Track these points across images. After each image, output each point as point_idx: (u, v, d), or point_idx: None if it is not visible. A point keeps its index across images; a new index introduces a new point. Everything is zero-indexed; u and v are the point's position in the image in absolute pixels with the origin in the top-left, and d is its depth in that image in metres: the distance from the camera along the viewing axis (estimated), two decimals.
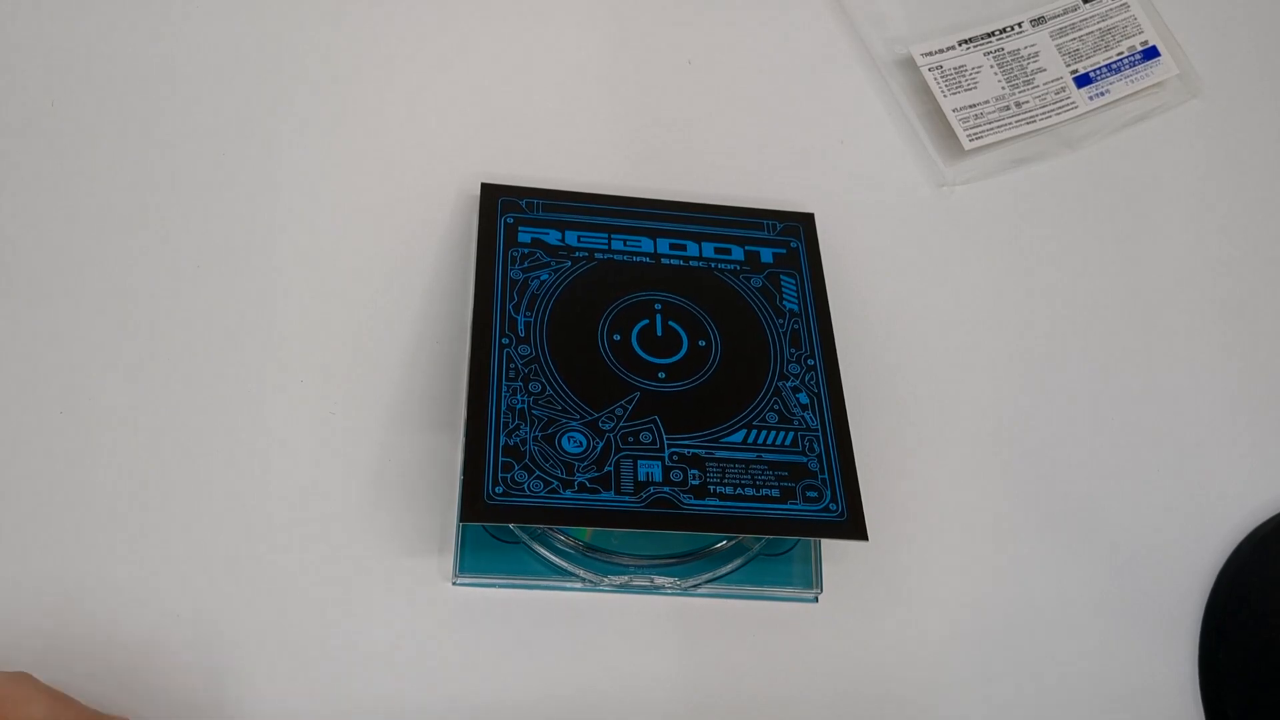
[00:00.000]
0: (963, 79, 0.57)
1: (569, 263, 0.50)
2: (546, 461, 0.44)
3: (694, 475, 0.45)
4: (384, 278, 0.51)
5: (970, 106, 0.57)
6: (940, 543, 0.49)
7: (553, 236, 0.51)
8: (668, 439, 0.46)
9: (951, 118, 0.56)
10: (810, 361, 0.49)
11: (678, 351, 0.49)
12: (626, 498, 0.44)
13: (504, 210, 0.51)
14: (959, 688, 0.47)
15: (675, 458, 0.45)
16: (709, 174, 0.55)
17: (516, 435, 0.45)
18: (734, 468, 0.46)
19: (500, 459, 0.44)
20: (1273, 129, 0.60)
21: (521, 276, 0.49)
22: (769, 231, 0.52)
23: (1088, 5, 0.60)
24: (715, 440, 0.46)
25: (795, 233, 0.53)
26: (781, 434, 0.47)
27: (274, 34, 0.55)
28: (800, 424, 0.47)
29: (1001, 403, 0.52)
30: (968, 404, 0.52)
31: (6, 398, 0.46)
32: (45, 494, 0.45)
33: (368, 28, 0.56)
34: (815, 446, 0.47)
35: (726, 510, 0.45)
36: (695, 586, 0.46)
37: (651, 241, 0.51)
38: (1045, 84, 0.58)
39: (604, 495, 0.44)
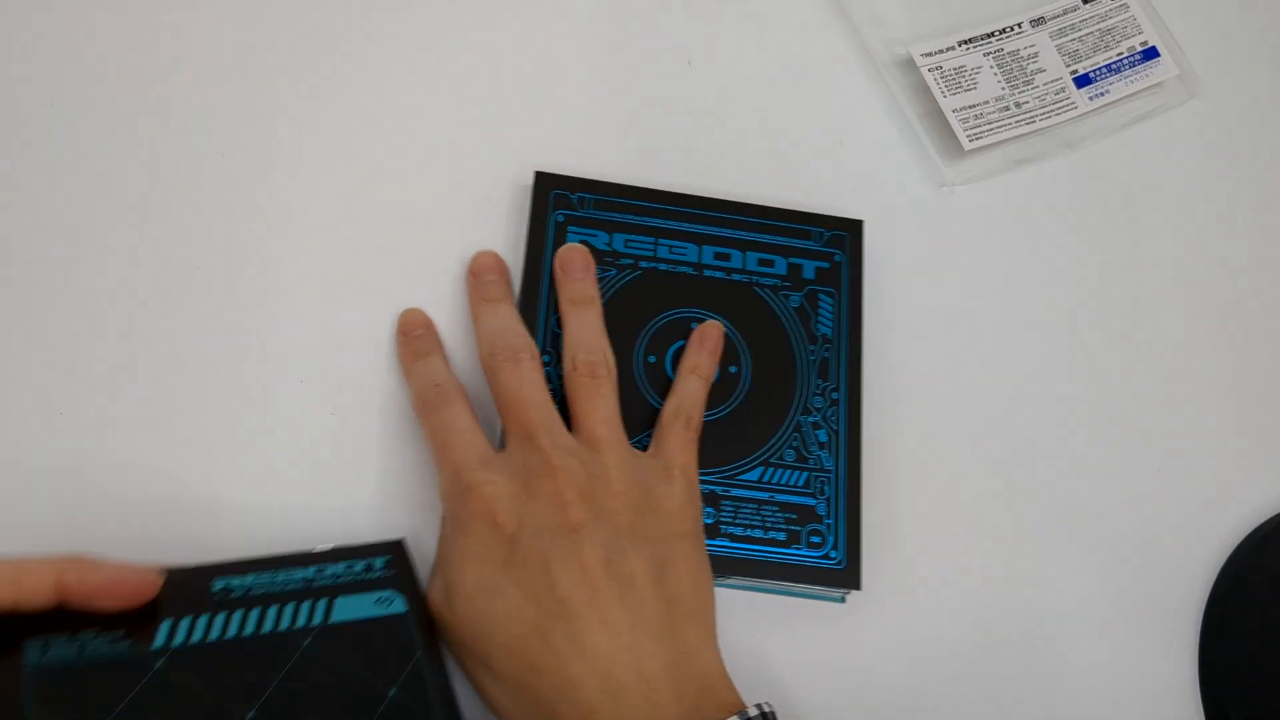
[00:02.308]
0: (962, 79, 0.57)
1: (614, 271, 0.49)
2: None
3: (708, 513, 0.46)
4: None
5: (970, 107, 0.57)
6: (940, 543, 0.49)
7: (600, 240, 0.50)
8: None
9: (951, 118, 0.56)
10: (835, 395, 0.48)
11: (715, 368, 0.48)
12: None
13: (556, 205, 0.50)
14: (960, 687, 0.47)
15: None
16: (709, 174, 0.55)
17: None
18: (746, 507, 0.46)
19: None
20: (1273, 129, 0.60)
21: None
22: (816, 241, 0.51)
23: (1087, 5, 0.60)
24: (732, 478, 0.47)
25: (841, 243, 0.51)
26: (795, 474, 0.47)
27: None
28: (815, 463, 0.47)
29: (999, 403, 0.52)
30: (965, 404, 0.52)
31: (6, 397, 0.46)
32: (41, 498, 0.45)
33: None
34: (826, 489, 0.47)
35: (733, 551, 0.45)
36: (725, 578, 0.46)
37: (697, 249, 0.50)
38: (1045, 84, 0.58)
39: None
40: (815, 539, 0.46)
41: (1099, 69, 0.58)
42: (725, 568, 0.45)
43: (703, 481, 0.46)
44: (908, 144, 0.57)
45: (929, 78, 0.57)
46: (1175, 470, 0.52)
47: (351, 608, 0.40)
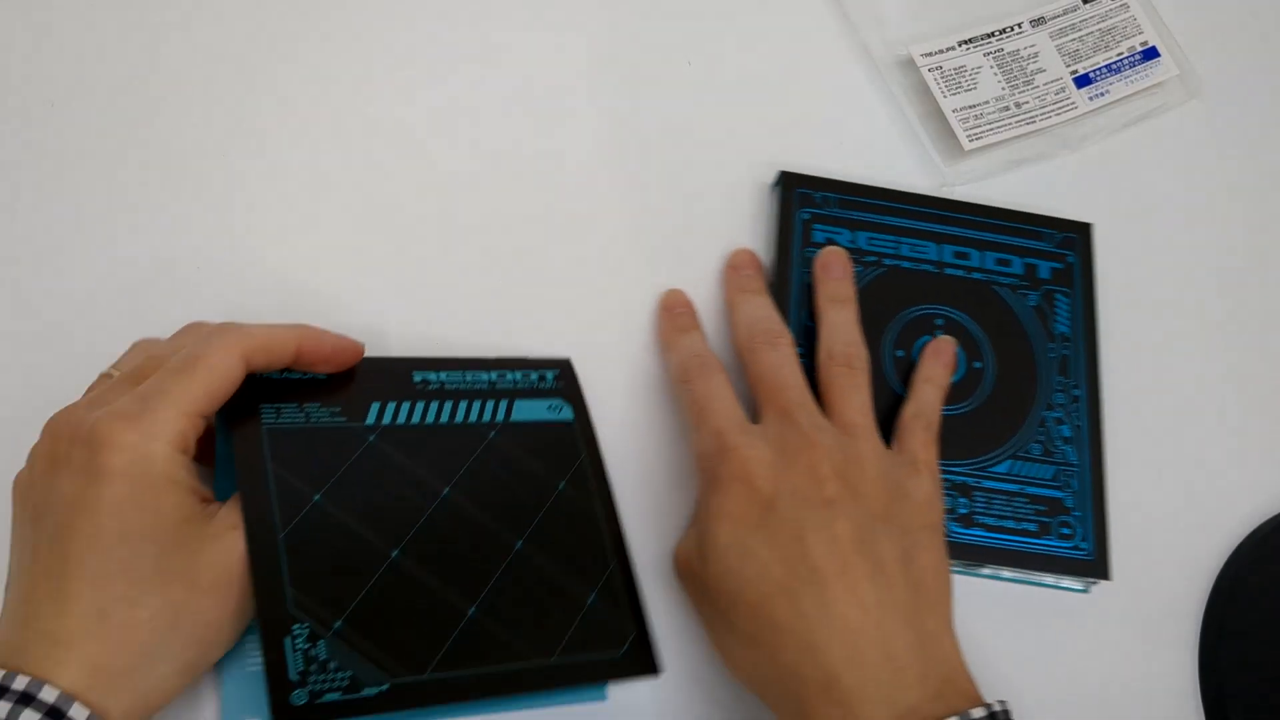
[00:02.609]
0: (963, 79, 0.57)
1: (860, 268, 0.51)
2: None
3: (962, 503, 0.47)
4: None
5: (970, 107, 0.57)
6: None
7: (844, 237, 0.51)
8: (941, 464, 0.47)
9: (951, 118, 0.56)
10: (1076, 392, 0.50)
11: (955, 372, 0.49)
12: None
13: (801, 203, 0.52)
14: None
15: (946, 484, 0.47)
16: (710, 175, 0.55)
17: None
18: (998, 499, 0.47)
19: None
20: (1273, 129, 0.60)
21: None
22: (1048, 242, 0.53)
23: (1087, 5, 0.60)
24: (983, 469, 0.48)
25: (1073, 245, 0.53)
26: (1043, 467, 0.48)
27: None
28: (1061, 458, 0.48)
29: None
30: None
31: None
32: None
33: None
34: (1073, 483, 0.48)
35: (989, 541, 0.47)
36: (980, 566, 0.47)
37: (936, 248, 0.52)
38: (1045, 84, 0.58)
39: None
40: (1065, 530, 0.47)
41: (1099, 69, 0.58)
42: (980, 556, 0.46)
43: (954, 472, 0.47)
44: (908, 144, 0.57)
45: (929, 78, 0.57)
46: (1175, 470, 0.52)
47: (528, 410, 0.46)
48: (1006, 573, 0.48)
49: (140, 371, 0.40)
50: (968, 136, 0.56)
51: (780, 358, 0.46)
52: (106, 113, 0.52)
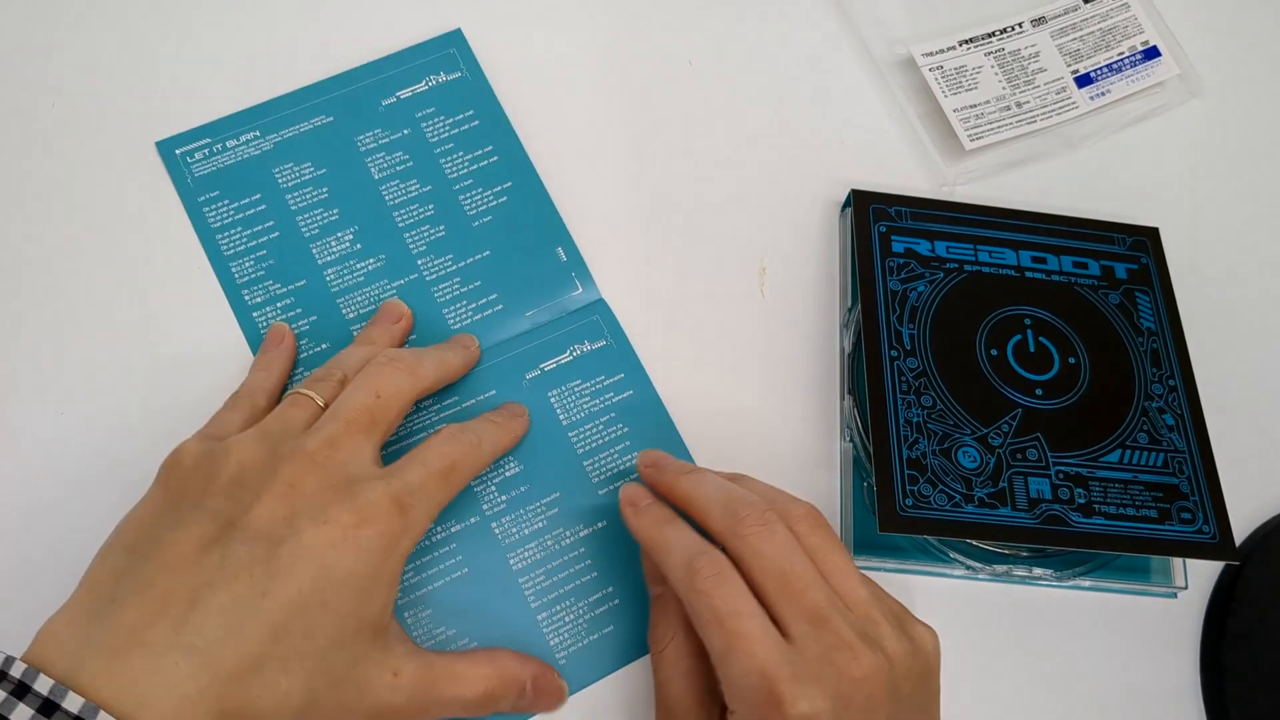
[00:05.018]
0: (963, 79, 0.57)
1: (941, 274, 0.51)
2: (946, 475, 0.46)
3: (1080, 493, 0.47)
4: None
5: (971, 106, 0.57)
6: None
7: (923, 247, 0.52)
8: (1052, 456, 0.47)
9: (952, 118, 0.56)
10: (1171, 382, 0.50)
11: (1050, 368, 0.50)
12: (1022, 514, 0.46)
13: (876, 218, 0.52)
14: (962, 686, 0.47)
15: (1061, 475, 0.47)
16: (712, 176, 0.55)
17: (916, 449, 0.47)
18: (1114, 487, 0.47)
19: (906, 472, 0.46)
20: (1273, 129, 0.60)
21: (900, 288, 0.51)
22: (1119, 245, 0.53)
23: (1088, 5, 0.60)
24: (1095, 460, 0.48)
25: (1144, 248, 0.54)
26: (1153, 455, 0.48)
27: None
28: (1169, 445, 0.49)
29: None
30: None
31: None
32: None
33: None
34: (1185, 468, 0.48)
35: (1112, 529, 0.47)
36: (1065, 579, 0.48)
37: (1014, 254, 0.53)
38: (1046, 84, 0.58)
39: (1001, 510, 0.46)
40: (1185, 515, 0.47)
41: (1100, 68, 0.58)
42: (1106, 544, 0.46)
43: (1066, 463, 0.48)
44: (908, 144, 0.57)
45: (930, 77, 0.57)
46: None
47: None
48: (1086, 582, 0.48)
49: (367, 413, 0.40)
50: (969, 136, 0.56)
51: (785, 543, 0.39)
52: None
